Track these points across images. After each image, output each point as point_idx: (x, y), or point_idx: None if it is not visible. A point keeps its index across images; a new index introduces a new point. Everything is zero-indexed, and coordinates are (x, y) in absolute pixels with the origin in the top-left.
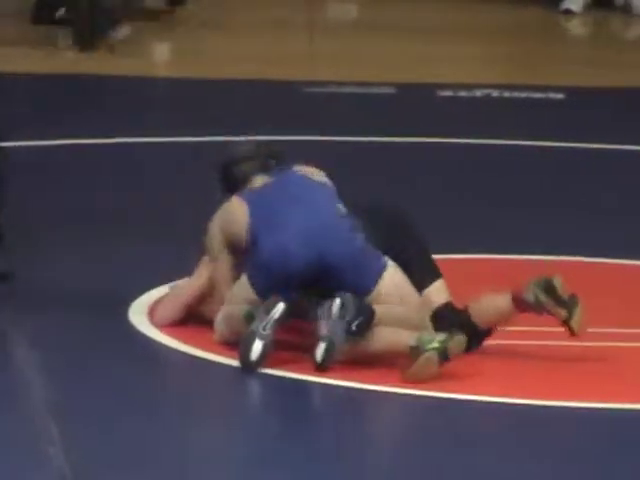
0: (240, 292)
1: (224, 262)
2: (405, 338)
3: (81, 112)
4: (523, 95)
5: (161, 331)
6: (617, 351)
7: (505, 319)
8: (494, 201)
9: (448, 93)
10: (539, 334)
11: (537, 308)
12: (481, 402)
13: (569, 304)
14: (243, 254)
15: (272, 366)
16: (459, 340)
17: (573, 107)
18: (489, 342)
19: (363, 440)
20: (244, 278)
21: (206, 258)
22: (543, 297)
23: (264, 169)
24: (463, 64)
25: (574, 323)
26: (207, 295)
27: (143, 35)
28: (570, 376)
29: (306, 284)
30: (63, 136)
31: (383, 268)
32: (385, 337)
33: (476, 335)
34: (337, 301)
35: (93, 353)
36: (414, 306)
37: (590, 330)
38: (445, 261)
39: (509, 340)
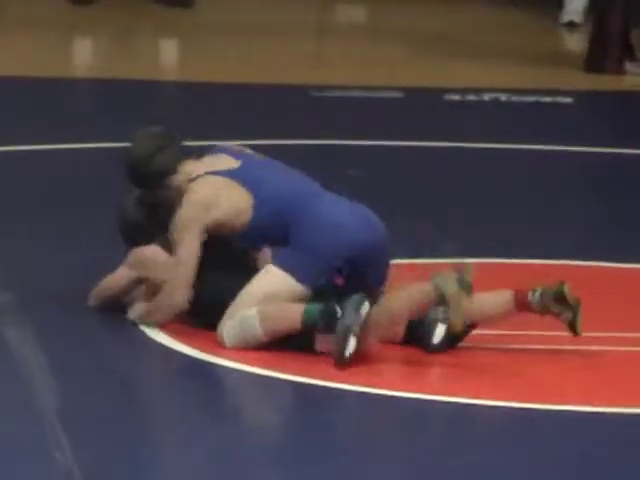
0: (277, 286)
1: (194, 242)
2: (419, 291)
3: None
4: (531, 99)
5: (166, 334)
6: (621, 355)
7: (501, 317)
8: (501, 204)
9: (456, 97)
10: (538, 338)
11: (542, 313)
12: (479, 405)
13: (575, 308)
14: (234, 235)
15: (265, 367)
16: (467, 266)
17: (581, 111)
18: (490, 345)
19: (357, 442)
20: (274, 270)
21: (134, 253)
22: (553, 305)
23: (188, 154)
24: (471, 68)
25: (578, 325)
26: (134, 286)
27: (149, 36)
28: (570, 380)
29: (347, 272)
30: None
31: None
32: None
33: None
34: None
35: (99, 357)
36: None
37: (594, 334)
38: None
39: (511, 344)
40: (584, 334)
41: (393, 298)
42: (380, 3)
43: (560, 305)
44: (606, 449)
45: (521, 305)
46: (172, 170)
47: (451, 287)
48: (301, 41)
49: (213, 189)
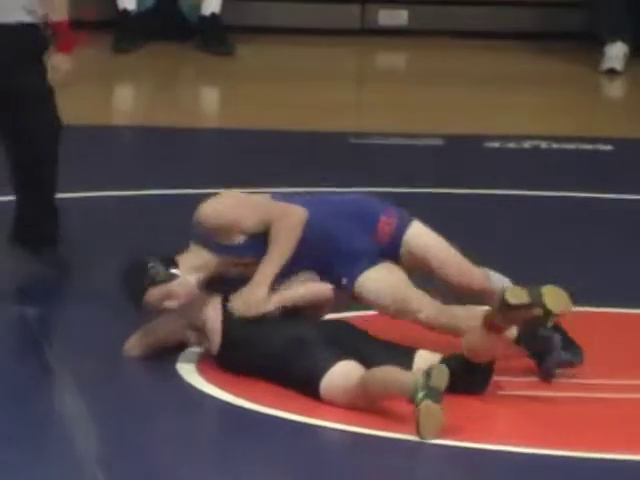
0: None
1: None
2: (401, 380)
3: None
4: (572, 147)
5: (207, 381)
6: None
7: (486, 346)
8: (539, 251)
9: (496, 144)
10: (547, 385)
11: (514, 323)
12: (486, 450)
13: (533, 297)
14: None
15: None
16: (440, 370)
17: (622, 159)
18: (495, 392)
19: None
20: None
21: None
22: (510, 315)
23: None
24: (511, 115)
25: (549, 304)
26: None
27: (190, 83)
28: (575, 426)
29: None
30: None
31: None
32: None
33: (480, 372)
34: None
35: (141, 404)
36: None
37: (610, 382)
38: None
39: (520, 391)
40: (614, 381)
41: (372, 378)
42: (419, 50)
43: (517, 311)
44: None
45: (492, 327)
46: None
47: (421, 399)
48: (341, 88)
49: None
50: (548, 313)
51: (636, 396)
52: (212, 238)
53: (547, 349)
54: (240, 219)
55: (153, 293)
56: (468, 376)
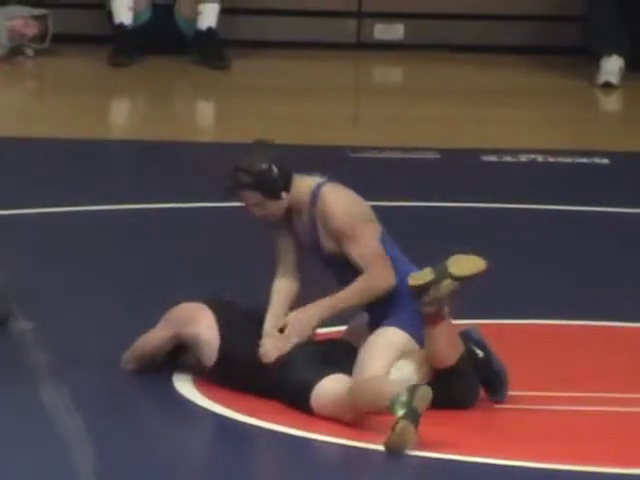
0: (402, 345)
1: (374, 228)
2: (387, 392)
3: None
4: (568, 160)
5: (203, 395)
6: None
7: (442, 344)
8: (537, 266)
9: (492, 158)
10: (542, 399)
11: (438, 304)
12: (478, 463)
13: (438, 273)
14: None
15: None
16: (424, 392)
17: (618, 172)
18: (496, 406)
19: None
20: (397, 331)
21: (173, 310)
22: (426, 298)
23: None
24: (508, 129)
25: (456, 272)
26: (169, 344)
27: (186, 97)
28: (570, 440)
29: None
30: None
31: None
32: (367, 392)
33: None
34: None
35: (138, 419)
36: None
37: (601, 395)
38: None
39: (516, 405)
40: (605, 394)
41: (359, 387)
42: (416, 64)
43: (426, 293)
44: None
45: (429, 319)
46: (290, 178)
47: (400, 418)
48: (337, 102)
49: (351, 193)
50: (458, 280)
51: (619, 409)
52: (317, 218)
53: (496, 382)
54: (350, 235)
55: (252, 195)
56: (458, 386)
